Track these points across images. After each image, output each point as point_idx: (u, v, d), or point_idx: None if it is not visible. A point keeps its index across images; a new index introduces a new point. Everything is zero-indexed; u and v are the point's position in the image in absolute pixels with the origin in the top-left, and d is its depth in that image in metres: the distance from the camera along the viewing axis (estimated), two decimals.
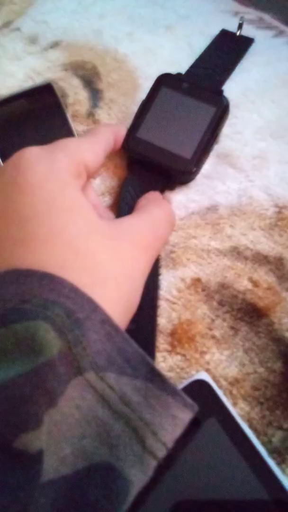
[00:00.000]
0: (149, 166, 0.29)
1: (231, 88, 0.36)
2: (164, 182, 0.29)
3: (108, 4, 0.44)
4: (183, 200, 0.30)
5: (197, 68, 0.35)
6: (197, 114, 0.30)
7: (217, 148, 0.32)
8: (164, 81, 0.31)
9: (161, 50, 0.38)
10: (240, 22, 0.38)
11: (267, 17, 0.46)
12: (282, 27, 0.45)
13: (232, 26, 0.42)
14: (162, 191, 0.29)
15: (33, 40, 0.42)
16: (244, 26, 0.43)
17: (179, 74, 0.33)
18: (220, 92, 0.32)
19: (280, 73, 0.37)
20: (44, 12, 0.43)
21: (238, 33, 0.38)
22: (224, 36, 0.39)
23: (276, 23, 0.46)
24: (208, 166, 0.31)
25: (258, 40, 0.41)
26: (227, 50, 0.37)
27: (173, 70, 0.36)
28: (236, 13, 0.46)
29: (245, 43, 0.39)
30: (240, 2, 0.48)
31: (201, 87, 0.31)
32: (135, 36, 0.40)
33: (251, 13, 0.46)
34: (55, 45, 0.41)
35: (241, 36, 0.39)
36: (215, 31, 0.40)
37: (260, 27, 0.44)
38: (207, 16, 0.43)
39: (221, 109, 0.30)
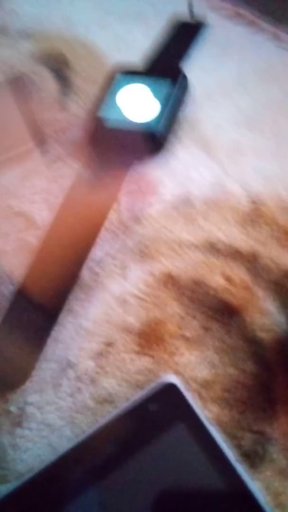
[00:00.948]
0: (116, 141, 0.29)
1: (206, 80, 0.35)
2: (134, 154, 0.29)
3: None
4: (155, 188, 0.28)
5: (153, 60, 0.35)
6: (156, 87, 0.31)
7: (193, 136, 0.31)
8: (119, 70, 0.32)
9: (131, 37, 0.37)
10: (190, 8, 0.38)
11: (244, 12, 0.46)
12: (259, 22, 0.44)
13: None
14: (131, 164, 0.29)
15: (2, 31, 0.40)
16: (222, 22, 0.43)
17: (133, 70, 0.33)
18: (176, 66, 0.33)
19: (256, 69, 0.36)
20: (13, 2, 0.41)
21: (190, 19, 0.39)
22: (177, 24, 0.38)
23: (253, 18, 0.45)
24: (184, 154, 0.30)
25: (235, 35, 0.41)
26: (181, 38, 0.37)
27: (143, 57, 0.36)
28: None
29: (198, 27, 0.39)
30: None
31: (158, 68, 0.33)
32: (105, 23, 0.38)
33: (228, 9, 0.46)
34: (25, 35, 0.39)
35: (194, 22, 0.39)
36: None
37: (237, 23, 0.44)
38: (177, 4, 0.43)
39: (178, 78, 0.31)
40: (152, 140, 0.29)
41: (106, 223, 0.27)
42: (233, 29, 0.42)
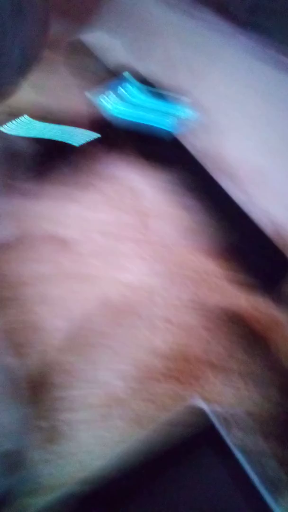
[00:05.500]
0: None
1: (231, 113, 0.36)
2: None
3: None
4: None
5: None
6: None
7: (219, 165, 0.32)
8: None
9: None
10: None
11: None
12: (284, 60, 0.46)
13: None
14: None
15: None
16: (243, 56, 0.44)
17: None
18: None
19: (280, 101, 0.38)
20: None
21: None
22: None
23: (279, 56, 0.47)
24: None
25: (260, 70, 0.42)
26: None
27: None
28: None
29: None
30: None
31: None
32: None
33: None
34: None
35: None
36: None
37: (260, 58, 0.45)
38: None
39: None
40: None
41: (136, 248, 0.29)
42: (257, 64, 0.43)
